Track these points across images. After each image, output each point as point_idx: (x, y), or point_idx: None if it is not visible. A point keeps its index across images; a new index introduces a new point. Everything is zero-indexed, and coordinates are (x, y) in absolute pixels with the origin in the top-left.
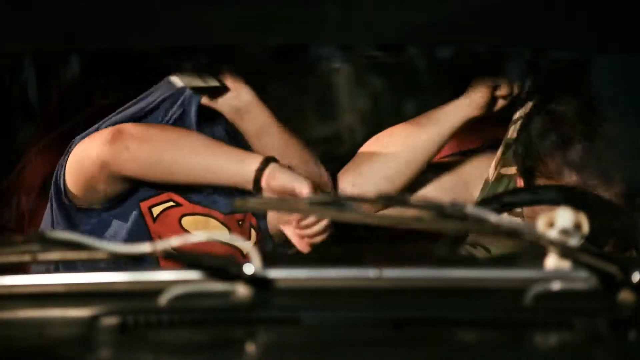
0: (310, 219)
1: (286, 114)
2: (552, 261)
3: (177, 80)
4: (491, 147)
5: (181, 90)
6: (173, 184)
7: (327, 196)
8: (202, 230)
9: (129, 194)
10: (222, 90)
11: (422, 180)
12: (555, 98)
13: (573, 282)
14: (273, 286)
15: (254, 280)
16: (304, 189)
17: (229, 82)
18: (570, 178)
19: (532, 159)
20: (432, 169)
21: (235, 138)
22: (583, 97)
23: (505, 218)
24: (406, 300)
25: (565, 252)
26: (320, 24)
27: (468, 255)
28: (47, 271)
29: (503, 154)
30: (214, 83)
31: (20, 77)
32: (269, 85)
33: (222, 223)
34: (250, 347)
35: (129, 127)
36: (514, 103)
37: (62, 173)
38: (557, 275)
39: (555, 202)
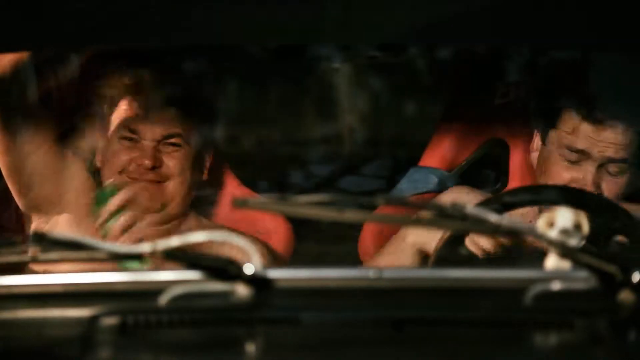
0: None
1: (286, 114)
2: (552, 261)
3: None
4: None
5: None
6: None
7: (327, 196)
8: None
9: None
10: None
11: None
12: (555, 98)
13: (573, 282)
14: (273, 286)
15: (253, 280)
16: None
17: None
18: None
19: None
20: None
21: None
22: (583, 96)
23: (506, 218)
24: (406, 300)
25: (565, 252)
26: (320, 24)
27: (468, 255)
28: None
29: None
30: None
31: (20, 77)
32: (269, 85)
33: None
34: (250, 347)
35: None
36: (512, 103)
37: None
38: (557, 275)
39: (555, 202)
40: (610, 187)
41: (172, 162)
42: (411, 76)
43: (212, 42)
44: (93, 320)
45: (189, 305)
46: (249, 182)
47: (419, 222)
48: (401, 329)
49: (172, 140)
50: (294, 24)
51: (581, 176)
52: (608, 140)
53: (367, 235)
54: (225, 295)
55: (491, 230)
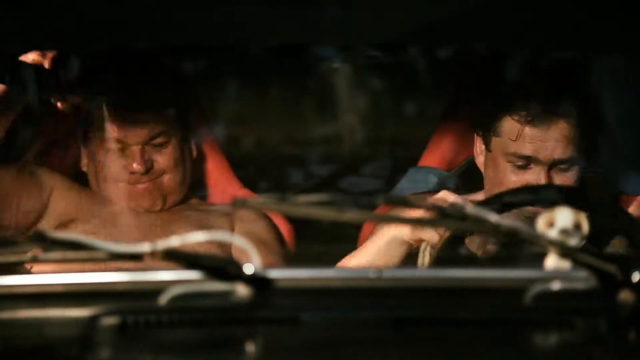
0: None
1: (286, 114)
2: (552, 261)
3: None
4: None
5: None
6: None
7: (327, 196)
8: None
9: None
10: None
11: None
12: (555, 98)
13: (573, 282)
14: (273, 286)
15: (253, 280)
16: None
17: None
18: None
19: None
20: None
21: None
22: (583, 97)
23: (506, 218)
24: (406, 300)
25: (565, 252)
26: (320, 24)
27: (468, 255)
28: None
29: None
30: None
31: (20, 77)
32: (269, 85)
33: None
34: (250, 347)
35: None
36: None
37: None
38: (557, 275)
39: (555, 202)
40: (564, 182)
41: (162, 158)
42: (411, 76)
43: (212, 42)
44: (93, 320)
45: (189, 305)
46: (249, 182)
47: (419, 222)
48: (401, 329)
49: (158, 140)
50: (294, 24)
51: (534, 179)
52: (554, 142)
53: (367, 235)
54: (225, 295)
55: (491, 230)
